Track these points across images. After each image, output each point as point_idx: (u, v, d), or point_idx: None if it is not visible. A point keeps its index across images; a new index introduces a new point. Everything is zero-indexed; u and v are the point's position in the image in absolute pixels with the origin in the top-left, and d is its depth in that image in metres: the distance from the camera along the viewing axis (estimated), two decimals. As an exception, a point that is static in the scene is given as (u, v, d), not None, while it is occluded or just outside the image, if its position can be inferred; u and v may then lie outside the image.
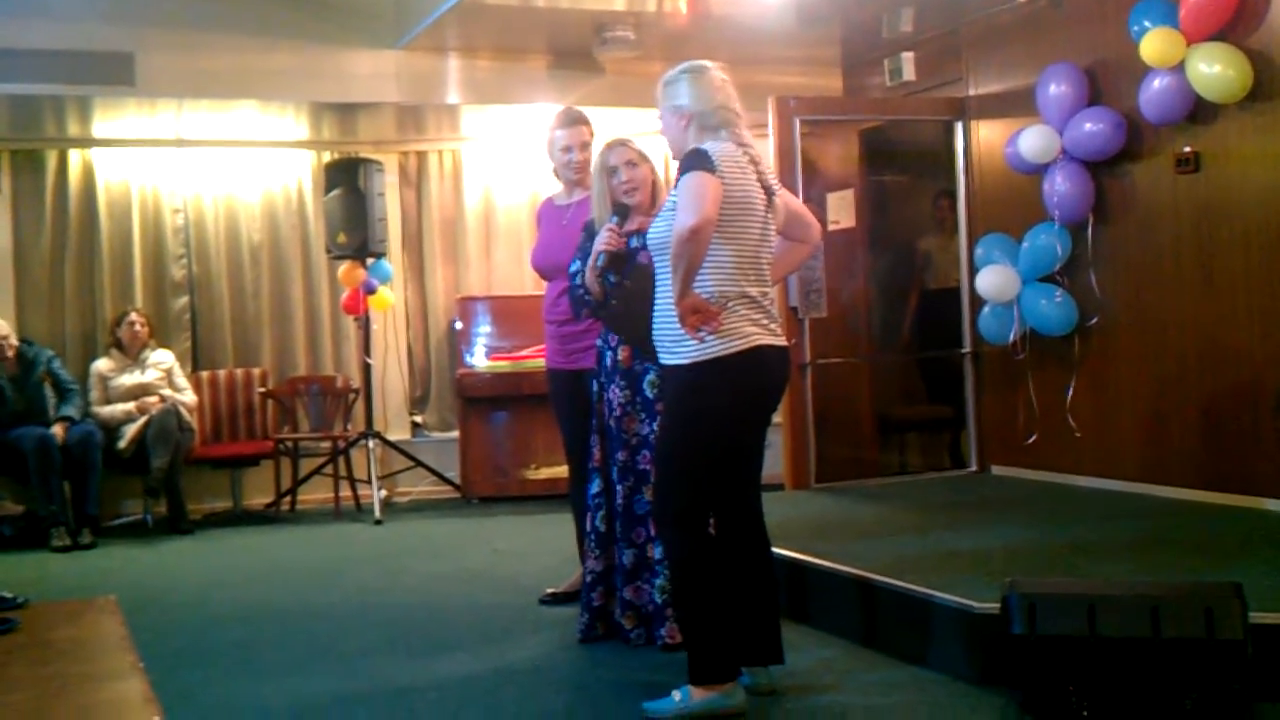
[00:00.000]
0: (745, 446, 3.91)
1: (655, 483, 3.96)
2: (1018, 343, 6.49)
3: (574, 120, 5.19)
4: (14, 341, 7.51)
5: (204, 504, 8.14)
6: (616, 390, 4.56)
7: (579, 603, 4.81)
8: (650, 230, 3.92)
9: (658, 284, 3.86)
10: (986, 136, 6.94)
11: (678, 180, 3.70)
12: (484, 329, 8.64)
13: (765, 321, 3.78)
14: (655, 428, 4.42)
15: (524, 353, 8.22)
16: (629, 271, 4.40)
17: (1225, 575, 3.82)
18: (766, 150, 6.62)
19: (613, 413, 4.58)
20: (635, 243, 4.41)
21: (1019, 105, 6.55)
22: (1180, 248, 5.83)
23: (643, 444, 4.51)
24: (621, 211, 4.50)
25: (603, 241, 4.42)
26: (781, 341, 3.85)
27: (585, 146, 5.17)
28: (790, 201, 4.04)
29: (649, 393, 4.50)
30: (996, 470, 6.94)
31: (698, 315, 3.60)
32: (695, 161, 3.66)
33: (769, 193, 3.83)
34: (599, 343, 4.67)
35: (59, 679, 4.35)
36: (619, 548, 4.61)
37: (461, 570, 6.22)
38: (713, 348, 3.68)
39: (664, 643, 4.46)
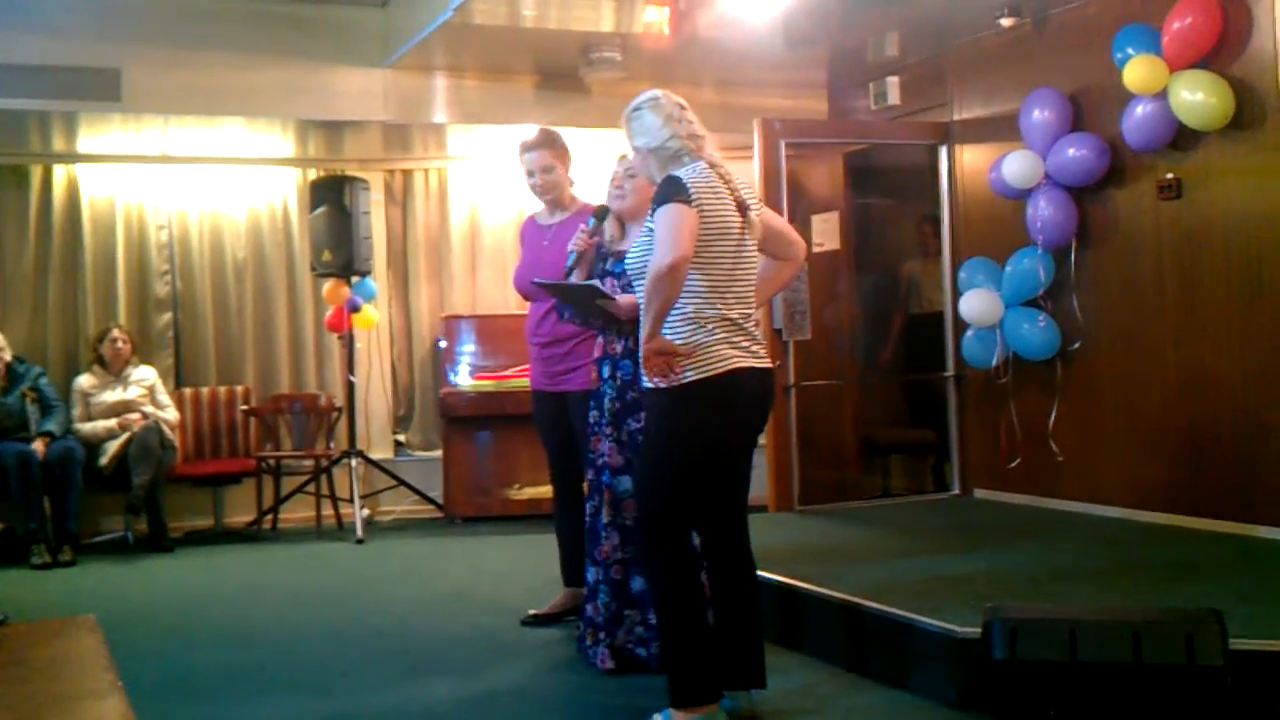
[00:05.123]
0: (726, 469, 3.90)
1: (638, 504, 3.96)
2: (1000, 367, 6.51)
3: (533, 145, 5.12)
4: (6, 357, 7.50)
5: (185, 522, 8.10)
6: (590, 410, 4.62)
7: (561, 624, 4.81)
8: (628, 256, 3.95)
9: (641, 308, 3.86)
10: (970, 161, 6.97)
11: (653, 210, 3.70)
12: (468, 348, 8.63)
13: (746, 344, 3.77)
14: (605, 450, 4.47)
15: (508, 372, 8.22)
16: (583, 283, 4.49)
17: (1206, 601, 3.84)
18: (751, 173, 6.65)
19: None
20: (615, 266, 4.44)
21: (1003, 130, 6.59)
22: (1162, 273, 5.86)
23: (605, 466, 4.53)
24: (601, 214, 4.55)
25: (573, 242, 4.57)
26: (764, 363, 3.84)
27: (548, 170, 5.12)
28: (772, 219, 4.03)
29: (602, 415, 4.54)
30: (979, 494, 6.95)
31: (662, 359, 3.61)
32: (671, 191, 3.66)
33: (744, 209, 3.80)
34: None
35: (37, 698, 4.32)
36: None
37: (444, 591, 6.19)
38: (690, 372, 3.67)
39: (596, 667, 4.46)
